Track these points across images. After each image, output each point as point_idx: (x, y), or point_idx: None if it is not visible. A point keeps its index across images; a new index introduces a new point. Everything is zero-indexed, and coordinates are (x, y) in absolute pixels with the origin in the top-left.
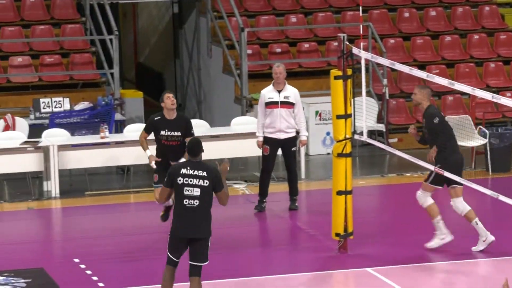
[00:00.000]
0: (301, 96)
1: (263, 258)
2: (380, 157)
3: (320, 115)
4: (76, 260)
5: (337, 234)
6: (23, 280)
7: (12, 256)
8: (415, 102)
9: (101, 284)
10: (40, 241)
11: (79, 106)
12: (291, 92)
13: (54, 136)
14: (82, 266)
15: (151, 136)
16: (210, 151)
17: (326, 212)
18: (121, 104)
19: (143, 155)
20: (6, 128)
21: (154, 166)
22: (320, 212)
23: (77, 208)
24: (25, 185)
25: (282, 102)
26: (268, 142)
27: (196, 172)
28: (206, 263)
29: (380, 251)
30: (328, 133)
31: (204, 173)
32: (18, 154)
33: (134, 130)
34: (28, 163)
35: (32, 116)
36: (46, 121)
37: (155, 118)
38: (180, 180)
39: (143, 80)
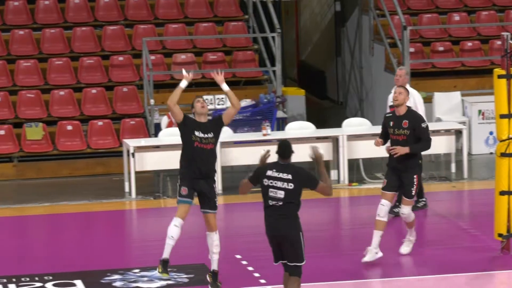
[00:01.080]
0: (464, 95)
1: (425, 257)
2: None
3: (483, 114)
4: (238, 256)
5: (500, 235)
6: (185, 276)
7: (174, 252)
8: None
9: (262, 281)
10: (202, 237)
11: (241, 104)
12: None
13: None
14: (244, 262)
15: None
16: (371, 150)
17: (488, 212)
18: (283, 102)
19: (303, 154)
20: (170, 124)
21: (187, 74)
22: (482, 212)
23: (239, 205)
24: None
25: None
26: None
27: (281, 175)
28: (302, 263)
29: None
30: (491, 133)
31: (289, 176)
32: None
33: (296, 128)
34: None
35: None
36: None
37: (190, 115)
38: (265, 182)
39: (305, 78)
